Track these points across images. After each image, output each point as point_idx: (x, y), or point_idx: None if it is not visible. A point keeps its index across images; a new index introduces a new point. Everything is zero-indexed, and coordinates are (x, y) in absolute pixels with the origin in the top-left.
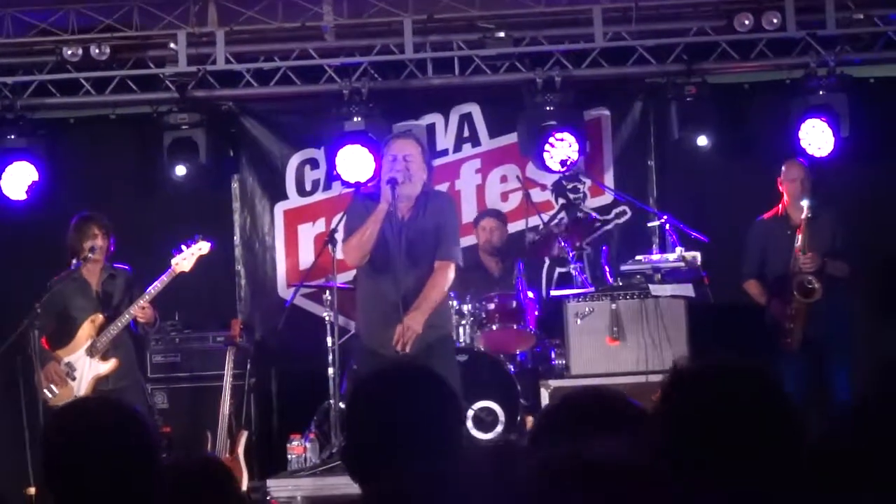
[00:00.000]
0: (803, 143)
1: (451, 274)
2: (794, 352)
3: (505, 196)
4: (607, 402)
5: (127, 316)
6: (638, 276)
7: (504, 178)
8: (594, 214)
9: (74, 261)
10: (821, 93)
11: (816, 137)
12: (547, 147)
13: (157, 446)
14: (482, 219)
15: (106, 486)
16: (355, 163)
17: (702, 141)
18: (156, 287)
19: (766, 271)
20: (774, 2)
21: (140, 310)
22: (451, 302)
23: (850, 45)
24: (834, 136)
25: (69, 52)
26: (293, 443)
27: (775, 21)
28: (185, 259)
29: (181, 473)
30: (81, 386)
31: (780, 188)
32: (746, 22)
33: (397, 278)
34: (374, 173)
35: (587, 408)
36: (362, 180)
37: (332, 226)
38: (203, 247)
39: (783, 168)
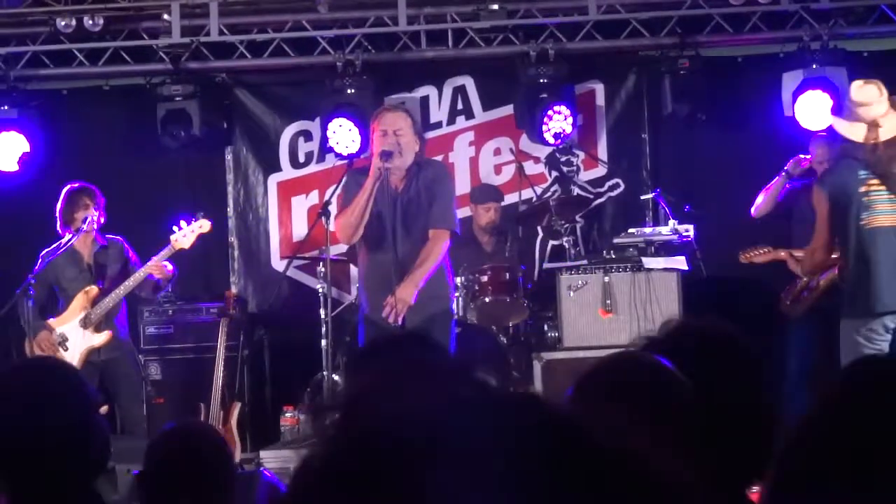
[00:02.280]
0: (798, 116)
1: (446, 242)
2: (800, 318)
3: (498, 169)
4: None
5: (123, 288)
6: (631, 249)
7: (497, 151)
8: (589, 195)
9: (67, 232)
10: (814, 66)
11: (813, 110)
12: (542, 119)
13: (92, 401)
14: (486, 201)
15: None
16: (347, 135)
17: (695, 113)
18: (154, 261)
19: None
20: None
21: (156, 268)
22: None
23: (843, 18)
24: (833, 109)
25: (62, 23)
26: (286, 414)
27: None
28: (186, 236)
29: (175, 440)
30: (74, 357)
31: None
32: None
33: (395, 250)
34: (364, 146)
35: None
36: (354, 152)
37: (326, 198)
38: (204, 224)
39: (811, 148)
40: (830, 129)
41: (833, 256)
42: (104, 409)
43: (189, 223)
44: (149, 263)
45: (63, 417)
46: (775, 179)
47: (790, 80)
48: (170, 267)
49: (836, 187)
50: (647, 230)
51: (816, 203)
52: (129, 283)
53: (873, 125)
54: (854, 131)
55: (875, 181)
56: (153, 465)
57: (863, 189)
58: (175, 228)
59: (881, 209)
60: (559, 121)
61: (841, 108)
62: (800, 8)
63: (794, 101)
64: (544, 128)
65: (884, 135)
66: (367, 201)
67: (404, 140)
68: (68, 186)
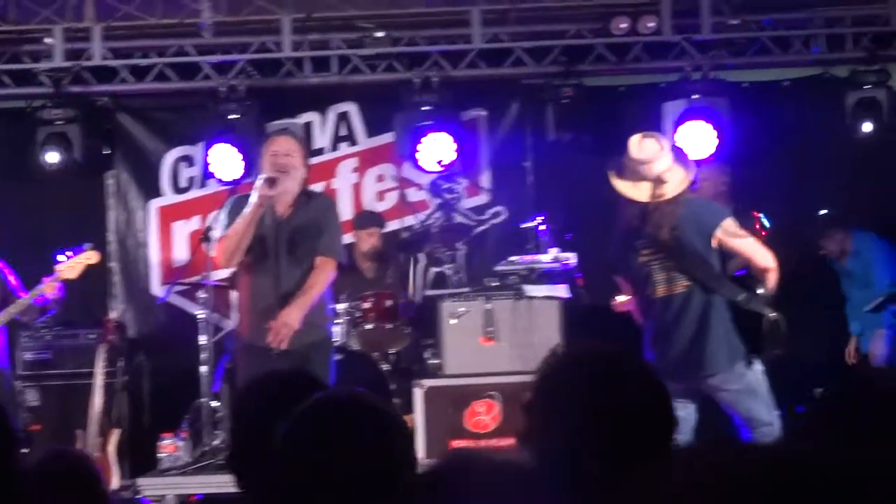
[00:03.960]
0: (678, 146)
1: (333, 272)
2: None
3: (381, 195)
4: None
5: (5, 314)
6: (512, 277)
7: (380, 178)
8: (471, 222)
9: None
10: (695, 96)
11: (695, 140)
12: (423, 147)
13: (14, 435)
14: (368, 226)
15: None
16: (229, 160)
17: (577, 142)
18: (38, 289)
19: None
20: (651, 6)
21: (50, 287)
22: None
23: (724, 49)
24: (717, 138)
25: None
26: (165, 441)
27: (651, 25)
28: (72, 267)
29: (46, 468)
30: None
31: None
32: (623, 25)
33: (278, 276)
34: (248, 171)
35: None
36: (237, 178)
37: (207, 223)
38: (92, 256)
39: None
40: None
41: None
42: None
43: (76, 254)
44: (33, 291)
45: None
46: None
47: (671, 109)
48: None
49: (617, 264)
50: (529, 258)
51: (618, 281)
52: (12, 309)
53: (658, 182)
54: (638, 192)
55: (649, 251)
56: (27, 494)
57: (641, 260)
58: (62, 258)
59: (659, 279)
60: (441, 148)
61: (621, 167)
62: (681, 39)
63: (674, 130)
64: (426, 155)
65: (670, 191)
66: (246, 227)
67: (293, 163)
68: None
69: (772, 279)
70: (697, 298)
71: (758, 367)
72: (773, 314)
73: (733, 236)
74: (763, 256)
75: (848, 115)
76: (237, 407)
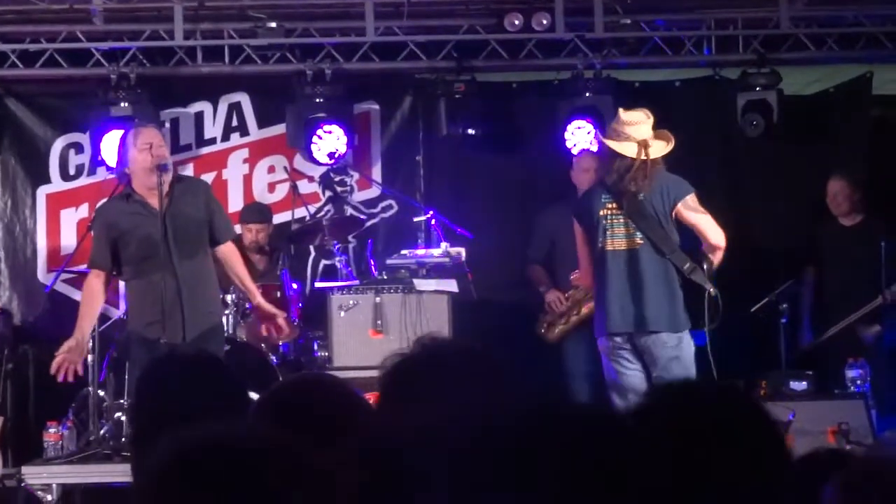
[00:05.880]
0: (568, 144)
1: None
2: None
3: (272, 187)
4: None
5: None
6: (403, 271)
7: (272, 169)
8: (362, 216)
9: None
10: (587, 94)
11: (581, 138)
12: (315, 139)
13: None
14: (249, 221)
15: None
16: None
17: (469, 138)
18: None
19: (554, 260)
20: (544, 3)
21: None
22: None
23: (617, 48)
24: (597, 137)
25: None
26: (50, 430)
27: (545, 22)
28: None
29: None
30: None
31: (574, 180)
32: (516, 22)
33: (175, 271)
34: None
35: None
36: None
37: (94, 211)
38: None
39: (575, 161)
40: (600, 150)
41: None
42: None
43: None
44: None
45: None
46: None
47: (562, 106)
48: None
49: (582, 211)
50: (420, 252)
51: (575, 229)
52: None
53: (643, 144)
54: (626, 149)
55: (613, 205)
56: None
57: (602, 212)
58: None
59: (617, 233)
60: (333, 140)
61: (609, 131)
62: (574, 37)
63: (564, 127)
64: (314, 147)
65: (653, 153)
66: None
67: (167, 155)
68: None
69: (718, 257)
70: (649, 257)
71: (691, 342)
72: (713, 289)
73: (693, 210)
74: (716, 234)
75: (738, 116)
76: (139, 390)
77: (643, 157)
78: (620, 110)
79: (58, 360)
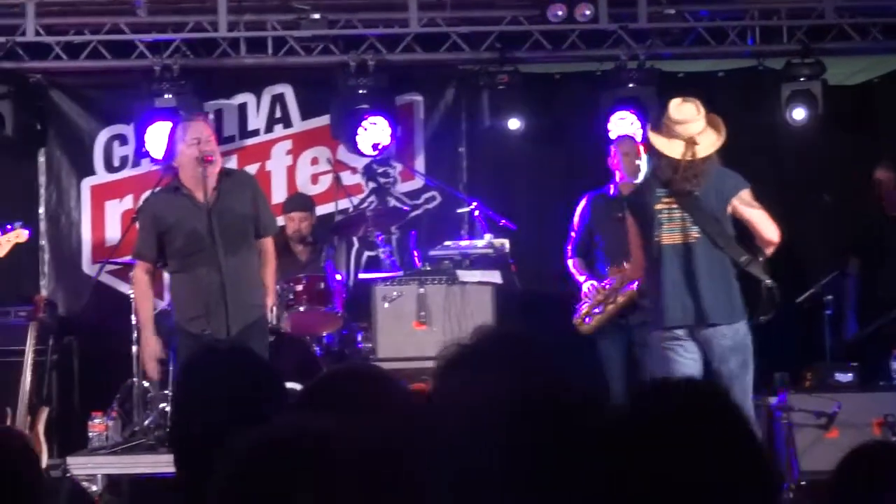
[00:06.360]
0: (612, 135)
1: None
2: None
3: (315, 178)
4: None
5: None
6: (446, 262)
7: (315, 161)
8: (406, 207)
9: None
10: (630, 85)
11: (625, 129)
12: (359, 130)
13: None
14: (292, 210)
15: None
16: (164, 140)
17: (513, 127)
18: None
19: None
20: None
21: None
22: None
23: (660, 39)
24: (642, 128)
25: None
26: (95, 420)
27: (588, 13)
28: (1, 245)
29: None
30: None
31: (611, 166)
32: (560, 13)
33: (219, 264)
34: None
35: None
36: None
37: (140, 203)
38: (21, 234)
39: (614, 145)
40: (644, 140)
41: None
42: None
43: (4, 232)
44: None
45: None
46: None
47: (606, 97)
48: None
49: (636, 205)
50: (463, 243)
51: (627, 222)
52: None
53: (690, 142)
54: (672, 148)
55: (669, 199)
56: None
57: (658, 206)
58: None
59: (673, 227)
60: (377, 132)
61: (659, 124)
62: (617, 27)
63: (608, 118)
64: (361, 138)
65: (700, 152)
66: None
67: (215, 149)
68: None
69: (770, 251)
70: (705, 251)
71: (749, 332)
72: (769, 281)
73: (748, 206)
74: (770, 229)
75: (782, 107)
76: (178, 384)
77: (689, 157)
78: (671, 104)
79: (150, 369)
